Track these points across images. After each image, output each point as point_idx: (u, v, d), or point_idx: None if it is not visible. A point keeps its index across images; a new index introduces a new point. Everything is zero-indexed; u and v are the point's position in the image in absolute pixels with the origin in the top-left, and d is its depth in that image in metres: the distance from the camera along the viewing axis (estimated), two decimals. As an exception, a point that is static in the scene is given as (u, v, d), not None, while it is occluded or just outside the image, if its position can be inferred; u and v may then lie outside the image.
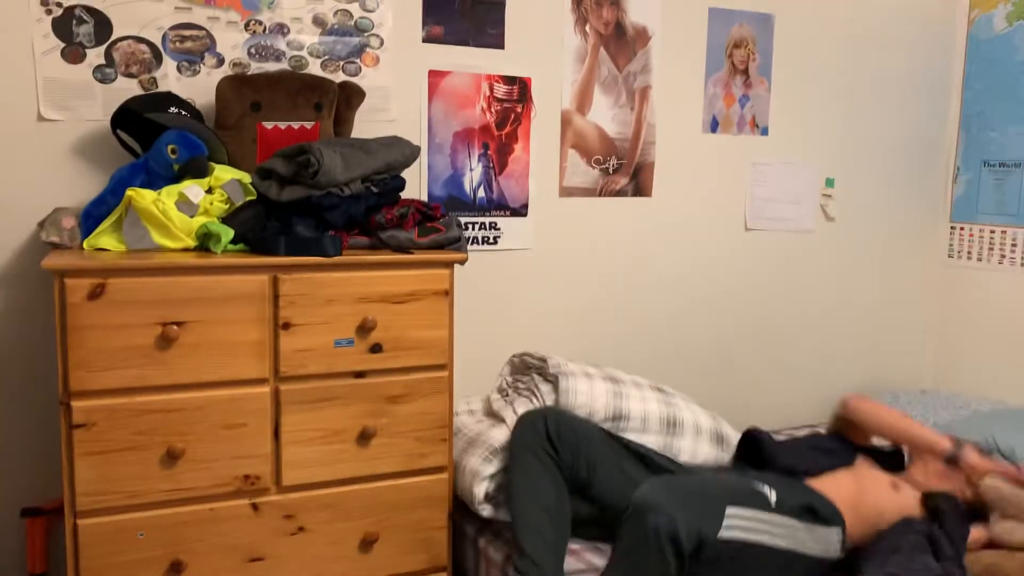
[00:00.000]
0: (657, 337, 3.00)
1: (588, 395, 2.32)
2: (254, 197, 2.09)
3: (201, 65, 2.32)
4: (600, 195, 2.87)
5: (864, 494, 2.13)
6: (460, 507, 2.26)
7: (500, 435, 2.29)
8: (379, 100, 2.52)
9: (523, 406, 2.36)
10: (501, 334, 2.76)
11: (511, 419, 2.33)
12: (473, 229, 2.68)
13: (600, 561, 2.10)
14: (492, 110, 2.67)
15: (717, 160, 3.04)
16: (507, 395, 2.51)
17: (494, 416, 2.45)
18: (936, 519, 2.05)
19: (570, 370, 2.36)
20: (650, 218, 2.95)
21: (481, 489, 2.21)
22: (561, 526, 2.09)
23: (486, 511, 2.22)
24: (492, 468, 2.22)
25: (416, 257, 2.10)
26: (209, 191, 2.07)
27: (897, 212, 3.40)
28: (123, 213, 1.99)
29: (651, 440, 2.36)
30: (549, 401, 2.34)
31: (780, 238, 3.18)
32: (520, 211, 2.75)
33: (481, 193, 2.69)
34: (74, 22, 2.19)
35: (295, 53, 2.42)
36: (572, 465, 2.16)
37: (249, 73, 2.34)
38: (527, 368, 2.55)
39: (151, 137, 2.10)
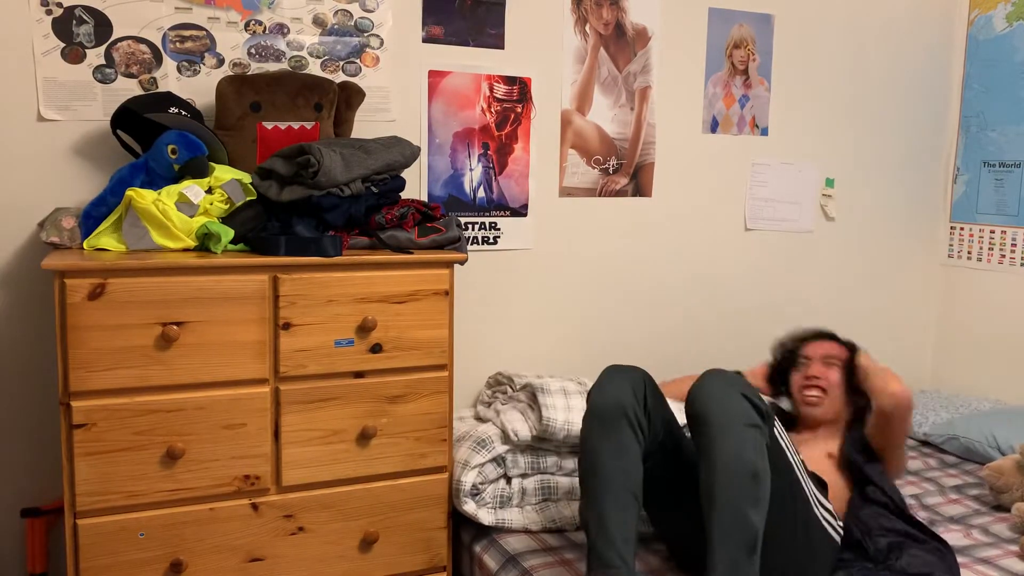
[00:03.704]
0: (657, 337, 3.00)
1: (566, 411, 2.30)
2: (254, 197, 2.09)
3: (201, 65, 2.32)
4: (600, 195, 2.87)
5: None
6: (456, 512, 2.25)
7: (488, 429, 2.30)
8: (379, 100, 2.52)
9: (507, 411, 2.37)
10: (501, 334, 2.76)
11: (495, 420, 2.35)
12: (473, 229, 2.68)
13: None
14: (492, 110, 2.67)
15: (717, 160, 3.04)
16: (490, 405, 2.54)
17: (481, 421, 2.48)
18: None
19: (547, 387, 2.35)
20: (650, 218, 2.95)
21: (469, 478, 2.20)
22: (637, 512, 1.88)
23: (469, 506, 2.20)
24: (481, 458, 2.23)
25: (416, 257, 2.10)
26: (209, 191, 2.07)
27: (897, 212, 3.40)
28: (123, 213, 1.99)
29: None
30: (531, 410, 2.34)
31: (780, 238, 3.18)
32: (520, 211, 2.75)
33: (481, 193, 2.69)
34: (74, 22, 2.19)
35: (295, 53, 2.42)
36: (659, 433, 1.97)
37: (249, 73, 2.34)
38: (500, 384, 2.60)
39: (151, 137, 2.10)
